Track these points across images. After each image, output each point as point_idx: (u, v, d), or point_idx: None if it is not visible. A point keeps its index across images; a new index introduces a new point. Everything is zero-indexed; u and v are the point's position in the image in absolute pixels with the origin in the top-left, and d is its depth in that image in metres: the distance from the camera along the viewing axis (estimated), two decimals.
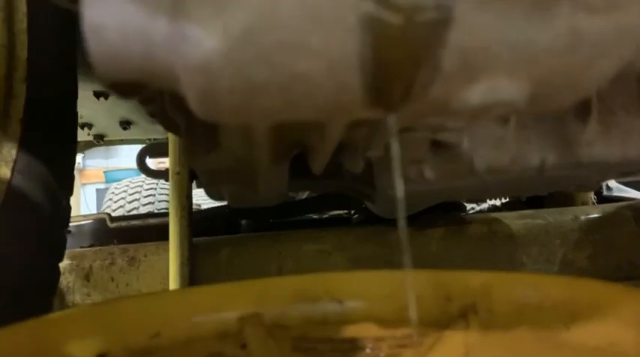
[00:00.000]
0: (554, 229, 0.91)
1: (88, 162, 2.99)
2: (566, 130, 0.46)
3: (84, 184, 2.82)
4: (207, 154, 0.47)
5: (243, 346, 0.48)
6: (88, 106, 1.07)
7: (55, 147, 0.69)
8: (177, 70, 0.24)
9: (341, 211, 1.28)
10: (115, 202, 1.53)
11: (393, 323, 0.50)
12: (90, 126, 1.14)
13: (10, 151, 0.62)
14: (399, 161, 0.28)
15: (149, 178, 1.69)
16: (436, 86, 0.25)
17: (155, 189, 1.59)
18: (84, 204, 2.91)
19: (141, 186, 1.59)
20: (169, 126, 0.55)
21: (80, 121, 1.12)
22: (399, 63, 0.23)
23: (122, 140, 1.26)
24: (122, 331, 0.45)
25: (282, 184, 0.52)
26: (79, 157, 3.03)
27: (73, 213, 0.87)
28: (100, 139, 1.18)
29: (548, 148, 0.46)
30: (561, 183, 0.56)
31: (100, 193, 2.82)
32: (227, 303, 0.50)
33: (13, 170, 0.61)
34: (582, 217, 0.88)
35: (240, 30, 0.22)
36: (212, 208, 1.17)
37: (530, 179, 0.49)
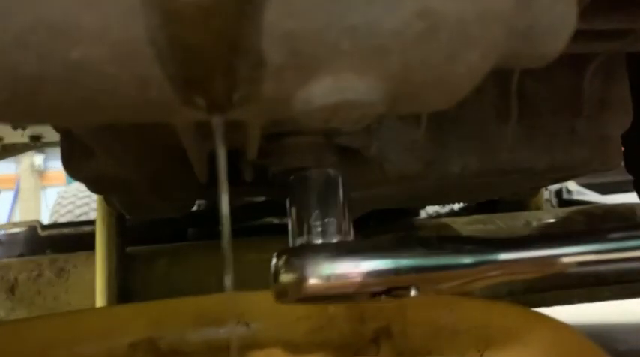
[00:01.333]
0: (504, 235, 0.87)
1: (50, 164, 2.89)
2: (487, 133, 0.41)
3: (44, 187, 2.72)
4: (84, 160, 0.41)
5: None
6: None
7: None
8: None
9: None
10: (64, 206, 1.45)
11: (301, 347, 0.45)
12: (23, 127, 1.07)
13: None
14: (225, 171, 0.23)
15: (84, 187, 1.61)
16: (267, 83, 0.20)
17: (90, 198, 1.51)
18: (45, 208, 2.79)
19: (75, 196, 1.51)
20: (58, 129, 0.49)
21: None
22: (204, 49, 0.18)
23: (59, 142, 1.19)
24: None
25: (185, 195, 0.46)
26: (39, 158, 2.93)
27: (33, 217, 0.80)
28: (36, 141, 1.11)
29: (469, 154, 0.42)
30: (490, 190, 0.52)
31: None
32: (118, 327, 0.45)
33: None
34: (534, 223, 0.84)
35: None
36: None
37: (453, 187, 0.44)
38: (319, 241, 0.33)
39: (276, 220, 1.19)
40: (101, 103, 0.21)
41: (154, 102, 0.21)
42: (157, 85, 0.20)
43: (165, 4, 0.17)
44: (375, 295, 0.32)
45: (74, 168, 0.42)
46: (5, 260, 0.92)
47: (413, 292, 0.31)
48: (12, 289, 0.91)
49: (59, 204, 1.51)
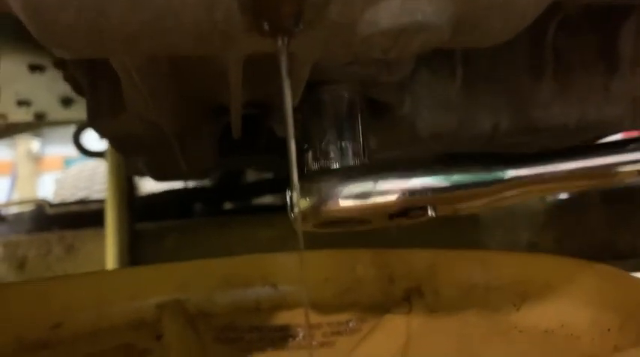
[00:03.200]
0: (519, 211, 0.87)
1: (48, 149, 2.85)
2: (520, 90, 0.41)
3: (41, 173, 2.68)
4: (113, 118, 0.41)
5: (159, 337, 0.42)
6: (24, 81, 0.99)
7: None
8: None
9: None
10: (66, 189, 1.44)
11: (330, 308, 0.45)
12: (28, 104, 1.05)
13: None
14: (291, 104, 0.22)
15: (87, 166, 1.60)
16: (335, 4, 0.20)
17: (92, 177, 1.50)
18: (42, 194, 2.74)
19: (93, 173, 1.51)
20: (77, 88, 0.49)
21: (16, 98, 1.03)
22: None
23: (64, 121, 1.17)
24: (15, 321, 0.39)
25: (205, 157, 0.46)
26: (36, 144, 2.89)
27: None
28: (40, 119, 1.09)
29: (501, 111, 0.41)
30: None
31: None
32: (145, 289, 0.44)
33: None
34: (548, 198, 0.84)
35: None
36: (162, 191, 1.10)
37: (481, 147, 0.44)
38: (335, 165, 0.33)
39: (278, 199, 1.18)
40: (165, 27, 0.20)
41: (218, 27, 0.20)
42: (224, 8, 0.19)
43: None
44: (392, 217, 0.32)
45: (101, 125, 0.41)
46: (14, 237, 0.91)
47: (430, 213, 0.31)
48: (22, 266, 0.90)
49: (62, 188, 1.50)
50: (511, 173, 0.30)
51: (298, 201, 0.31)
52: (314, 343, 0.42)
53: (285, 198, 0.32)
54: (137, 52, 0.22)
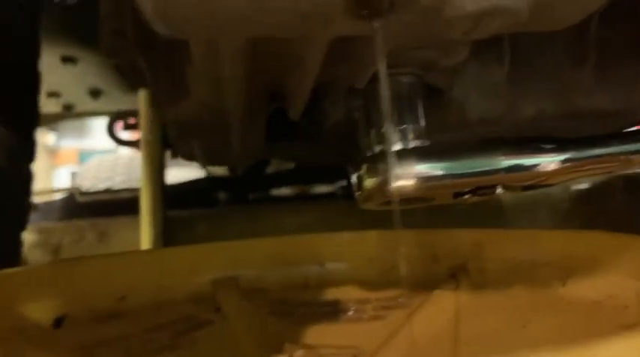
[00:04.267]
0: (543, 200, 0.89)
1: (63, 142, 2.88)
2: (563, 76, 0.43)
3: (56, 167, 2.71)
4: (175, 103, 0.43)
5: (217, 310, 0.45)
6: (55, 73, 1.01)
7: (17, 111, 0.64)
8: None
9: (322, 189, 1.25)
10: (88, 180, 1.46)
11: (377, 285, 0.47)
12: (58, 95, 1.08)
13: None
14: (387, 81, 0.24)
15: (122, 157, 1.63)
16: None
17: (129, 167, 1.53)
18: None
19: (114, 164, 1.53)
20: (135, 78, 0.51)
21: (47, 89, 1.06)
22: None
23: (92, 112, 1.20)
24: (84, 293, 0.42)
25: (257, 141, 0.48)
26: (52, 137, 2.92)
27: (46, 197, 0.81)
28: (69, 110, 1.12)
29: (545, 98, 0.43)
30: None
31: (75, 176, 2.70)
32: (200, 265, 0.47)
33: None
34: (572, 188, 0.86)
35: None
36: (188, 181, 1.12)
37: (523, 132, 0.46)
38: (397, 147, 0.35)
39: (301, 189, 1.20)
40: (273, 9, 0.22)
41: (320, 10, 0.22)
42: None
43: None
44: (457, 195, 0.34)
45: (164, 110, 0.44)
46: (48, 224, 0.94)
47: (498, 190, 0.33)
48: (56, 252, 0.93)
49: (83, 179, 1.52)
50: (568, 155, 0.32)
51: (365, 181, 0.33)
52: (365, 316, 0.44)
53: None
54: (244, 33, 0.24)
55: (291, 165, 1.26)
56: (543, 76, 0.43)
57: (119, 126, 1.15)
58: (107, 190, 1.08)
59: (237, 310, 0.44)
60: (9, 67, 0.62)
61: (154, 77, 0.43)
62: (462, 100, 0.42)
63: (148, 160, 0.84)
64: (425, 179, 0.32)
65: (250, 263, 0.48)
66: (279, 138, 0.55)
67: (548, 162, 0.32)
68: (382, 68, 0.24)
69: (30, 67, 0.67)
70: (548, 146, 0.32)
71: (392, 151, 0.33)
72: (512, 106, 0.43)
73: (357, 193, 0.35)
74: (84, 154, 2.77)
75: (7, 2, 0.62)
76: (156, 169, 0.85)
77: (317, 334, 0.42)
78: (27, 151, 0.65)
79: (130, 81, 0.52)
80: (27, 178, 0.65)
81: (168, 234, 0.88)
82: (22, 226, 0.65)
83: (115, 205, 0.96)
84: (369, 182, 0.33)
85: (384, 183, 0.33)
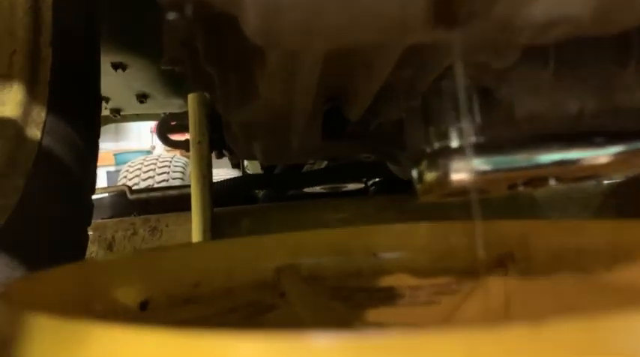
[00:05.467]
0: (575, 195, 0.90)
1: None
2: (605, 75, 0.45)
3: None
4: (243, 106, 0.47)
5: (282, 295, 0.48)
6: (105, 79, 1.07)
7: (80, 110, 0.69)
8: None
9: (355, 186, 1.28)
10: (130, 179, 1.54)
11: (428, 273, 0.51)
12: (107, 99, 1.14)
13: (40, 113, 0.63)
14: (463, 86, 0.27)
15: (163, 156, 1.70)
16: (501, 4, 0.25)
17: (169, 166, 1.60)
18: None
19: (155, 164, 1.60)
20: (201, 83, 0.55)
21: None
22: None
23: (137, 115, 1.26)
24: (164, 280, 0.46)
25: (315, 140, 0.52)
26: None
27: None
28: (117, 114, 1.18)
29: (587, 95, 0.46)
30: None
31: (111, 176, 2.81)
32: (265, 255, 0.51)
33: (42, 131, 0.62)
34: (605, 182, 0.87)
35: None
36: (228, 179, 1.17)
37: (566, 129, 0.48)
38: (456, 144, 0.38)
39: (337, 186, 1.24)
40: (364, 23, 0.26)
41: (406, 21, 0.26)
42: (416, 6, 0.25)
43: None
44: (511, 186, 0.37)
45: (232, 113, 0.48)
46: (102, 220, 1.00)
47: (552, 182, 0.36)
48: (110, 247, 0.99)
49: (125, 177, 1.59)
50: (620, 148, 0.35)
51: (425, 175, 0.37)
52: (420, 301, 0.47)
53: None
54: (328, 44, 0.27)
55: (321, 164, 1.30)
56: (586, 74, 0.46)
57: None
58: (156, 188, 1.14)
59: (300, 294, 0.48)
60: (73, 70, 0.67)
61: (224, 83, 0.47)
62: (509, 99, 0.45)
63: (198, 159, 0.89)
64: (483, 173, 0.35)
65: (309, 253, 0.52)
66: (330, 137, 0.59)
67: (600, 155, 0.34)
68: (459, 73, 0.27)
69: (93, 71, 0.72)
70: (600, 139, 0.35)
71: (454, 148, 0.37)
72: (557, 104, 0.45)
73: (418, 186, 0.38)
74: (118, 155, 2.86)
75: (69, 8, 0.67)
76: (205, 168, 0.90)
77: (377, 316, 0.46)
78: (92, 151, 0.71)
79: (196, 84, 0.56)
80: (92, 175, 0.71)
81: (214, 229, 0.93)
82: (88, 221, 0.70)
83: (164, 202, 1.01)
84: (430, 176, 0.37)
85: (445, 177, 0.36)
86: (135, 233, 0.99)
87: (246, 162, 1.62)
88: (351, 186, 1.31)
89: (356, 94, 0.40)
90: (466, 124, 0.38)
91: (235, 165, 1.64)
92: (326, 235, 0.53)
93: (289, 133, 0.48)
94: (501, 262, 0.48)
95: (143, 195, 1.05)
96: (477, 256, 0.50)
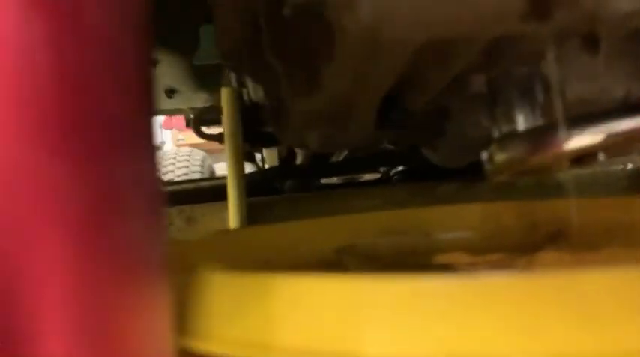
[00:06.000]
0: (600, 178, 0.93)
1: None
2: None
3: None
4: (307, 96, 0.50)
5: (346, 271, 0.51)
6: None
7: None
8: None
9: (372, 176, 1.31)
10: (164, 167, 1.57)
11: (481, 251, 0.54)
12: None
13: None
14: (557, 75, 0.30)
15: (182, 151, 1.72)
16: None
17: (188, 161, 1.63)
18: None
19: (175, 158, 1.63)
20: (261, 76, 0.58)
21: None
22: None
23: (163, 110, 1.29)
24: (239, 258, 0.49)
25: (370, 128, 0.55)
26: None
27: None
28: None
29: (632, 79, 0.49)
30: None
31: None
32: (326, 235, 0.54)
33: None
34: (630, 165, 0.90)
35: None
36: (253, 172, 1.20)
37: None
38: (522, 126, 0.41)
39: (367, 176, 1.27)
40: (464, 15, 0.28)
41: (501, 14, 0.28)
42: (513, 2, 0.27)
43: None
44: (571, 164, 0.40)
45: (297, 104, 0.50)
46: None
47: (600, 158, 0.40)
48: None
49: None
50: None
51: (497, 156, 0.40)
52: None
53: None
54: (426, 36, 0.30)
55: (339, 155, 1.33)
56: (631, 60, 0.49)
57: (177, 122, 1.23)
58: (190, 181, 1.16)
59: (362, 270, 0.51)
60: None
61: (289, 76, 0.50)
62: (561, 84, 0.47)
63: (233, 151, 0.92)
64: (553, 151, 0.38)
65: (367, 233, 0.55)
66: (381, 125, 0.62)
67: None
68: (553, 66, 0.30)
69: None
70: None
71: (521, 131, 0.40)
72: (606, 88, 0.48)
73: (487, 168, 0.41)
74: None
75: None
76: (240, 160, 0.93)
77: None
78: None
79: (255, 78, 0.59)
80: None
81: (249, 218, 0.96)
82: None
83: (198, 193, 1.04)
84: (501, 158, 0.40)
85: (516, 158, 0.39)
86: (171, 223, 1.02)
87: (264, 153, 1.64)
88: (367, 177, 1.35)
89: (425, 85, 0.43)
90: (531, 108, 0.41)
91: (248, 158, 1.67)
92: (380, 217, 0.56)
93: (349, 122, 0.51)
94: (552, 239, 0.51)
95: (177, 187, 1.08)
96: (529, 234, 0.53)
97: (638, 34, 0.50)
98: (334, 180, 1.34)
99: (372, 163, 1.21)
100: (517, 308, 0.18)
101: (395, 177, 1.25)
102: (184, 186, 1.06)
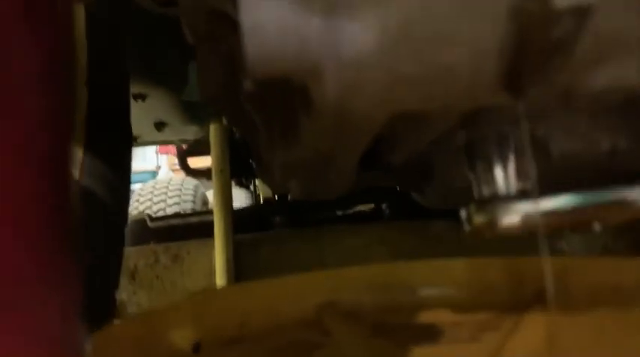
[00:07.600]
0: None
1: None
2: (634, 114, 0.47)
3: None
4: (286, 149, 0.48)
5: (327, 334, 0.50)
6: None
7: (113, 147, 0.71)
8: (324, 66, 0.26)
9: (364, 207, 1.30)
10: (142, 203, 1.55)
11: (467, 309, 0.52)
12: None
13: (77, 153, 0.64)
14: (530, 146, 0.29)
15: (174, 181, 1.71)
16: (565, 72, 0.27)
17: (180, 190, 1.62)
18: None
19: (167, 188, 1.61)
20: (240, 124, 0.57)
21: None
22: (537, 50, 0.25)
23: (155, 142, 1.28)
24: (212, 322, 0.47)
25: (352, 176, 0.53)
26: None
27: None
28: (135, 141, 1.19)
29: (619, 133, 0.48)
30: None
31: None
32: (303, 293, 0.52)
33: (81, 171, 0.63)
34: None
35: (397, 25, 0.23)
36: (245, 207, 1.19)
37: (601, 166, 0.50)
38: (503, 188, 0.40)
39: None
40: (438, 94, 0.27)
41: (474, 91, 0.27)
42: (486, 78, 0.26)
43: (524, 16, 0.24)
44: (557, 230, 0.39)
45: (275, 155, 0.49)
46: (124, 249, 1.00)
47: (596, 227, 0.38)
48: (132, 275, 1.00)
49: (137, 201, 1.60)
50: None
51: (474, 218, 0.38)
52: (462, 338, 0.48)
53: None
54: (396, 111, 0.29)
55: None
56: (617, 114, 0.48)
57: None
58: (176, 215, 1.15)
59: (344, 332, 0.49)
60: (107, 109, 0.69)
61: (268, 129, 0.48)
62: (545, 139, 0.46)
63: (220, 188, 0.91)
64: (529, 218, 0.37)
65: (349, 289, 0.53)
66: (365, 170, 0.61)
67: None
68: (526, 135, 0.29)
69: (124, 108, 0.74)
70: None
71: (500, 195, 0.38)
72: (591, 142, 0.47)
73: (466, 228, 0.40)
74: None
75: (102, 50, 0.69)
76: (227, 196, 0.91)
77: (421, 354, 0.47)
78: (126, 187, 0.72)
79: (238, 127, 0.58)
80: (125, 205, 0.72)
81: (236, 257, 0.94)
82: (122, 249, 0.71)
83: (184, 230, 1.02)
84: (479, 220, 0.38)
85: (494, 222, 0.38)
86: (157, 261, 1.00)
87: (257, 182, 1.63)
88: (359, 207, 1.33)
89: (404, 144, 0.42)
90: (513, 170, 0.39)
91: (240, 184, 1.65)
92: (363, 271, 0.55)
93: (330, 172, 0.50)
94: (539, 298, 0.49)
95: (163, 222, 1.06)
96: (515, 292, 0.51)
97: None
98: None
99: (363, 199, 1.20)
100: None
101: (386, 212, 1.24)
102: (172, 221, 1.05)
